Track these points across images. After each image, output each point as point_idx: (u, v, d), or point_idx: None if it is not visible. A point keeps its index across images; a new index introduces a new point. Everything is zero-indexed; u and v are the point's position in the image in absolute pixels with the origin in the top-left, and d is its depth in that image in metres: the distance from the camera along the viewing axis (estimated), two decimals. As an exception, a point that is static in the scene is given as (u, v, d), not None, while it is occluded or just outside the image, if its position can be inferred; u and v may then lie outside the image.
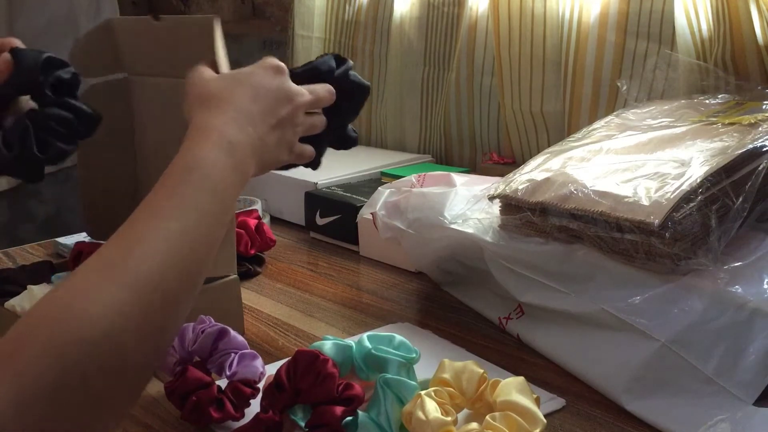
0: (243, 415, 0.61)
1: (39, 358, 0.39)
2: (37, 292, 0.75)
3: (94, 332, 0.41)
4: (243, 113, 0.58)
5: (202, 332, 0.63)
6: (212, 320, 0.65)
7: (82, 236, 1.11)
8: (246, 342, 0.64)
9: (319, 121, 0.66)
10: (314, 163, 0.70)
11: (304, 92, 0.63)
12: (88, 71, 0.82)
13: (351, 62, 0.68)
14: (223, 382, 0.63)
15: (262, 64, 0.62)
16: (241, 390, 0.61)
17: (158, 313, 0.45)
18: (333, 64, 0.68)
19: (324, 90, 0.65)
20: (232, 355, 0.63)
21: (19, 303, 0.75)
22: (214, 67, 0.67)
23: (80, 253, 0.86)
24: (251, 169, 0.57)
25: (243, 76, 0.61)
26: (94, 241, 0.91)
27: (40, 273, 0.86)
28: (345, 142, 0.71)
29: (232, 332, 0.64)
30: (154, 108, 0.83)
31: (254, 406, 0.60)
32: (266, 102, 0.59)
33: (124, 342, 0.42)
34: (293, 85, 0.62)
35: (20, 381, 0.38)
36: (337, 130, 0.69)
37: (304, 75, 0.65)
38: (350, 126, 0.71)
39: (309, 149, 0.67)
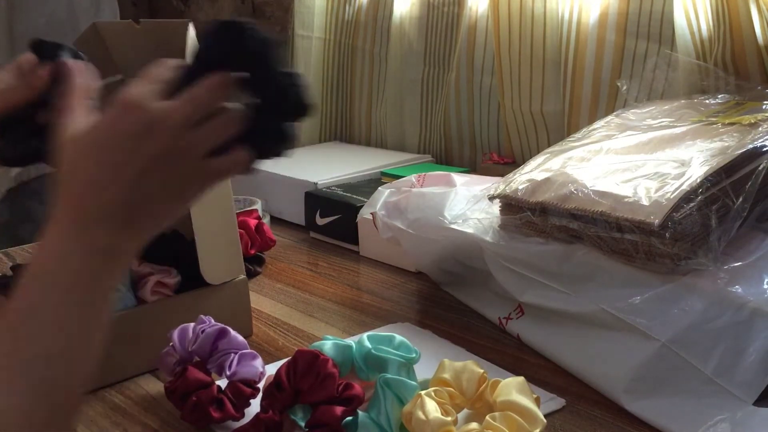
0: (243, 415, 0.61)
1: None
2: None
3: None
4: (89, 185, 0.46)
5: (202, 332, 0.63)
6: (212, 320, 0.65)
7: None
8: (246, 342, 0.64)
9: (227, 118, 0.49)
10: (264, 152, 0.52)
11: (173, 107, 0.47)
12: None
13: (248, 22, 0.50)
14: (223, 382, 0.63)
15: (112, 106, 0.48)
16: (241, 390, 0.61)
17: None
18: (209, 41, 0.51)
19: (203, 88, 0.48)
20: (232, 355, 0.63)
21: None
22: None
23: None
24: (119, 238, 0.46)
25: (87, 138, 0.48)
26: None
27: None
28: (277, 138, 0.52)
29: (232, 332, 0.64)
30: None
31: (254, 406, 0.60)
32: (116, 153, 0.46)
33: None
34: (155, 109, 0.47)
35: None
36: (270, 115, 0.51)
37: (189, 75, 0.50)
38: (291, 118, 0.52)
39: (238, 155, 0.50)
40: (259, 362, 0.63)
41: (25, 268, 0.46)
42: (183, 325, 0.65)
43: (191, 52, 0.52)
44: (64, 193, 0.47)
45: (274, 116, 0.52)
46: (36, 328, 0.44)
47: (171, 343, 0.65)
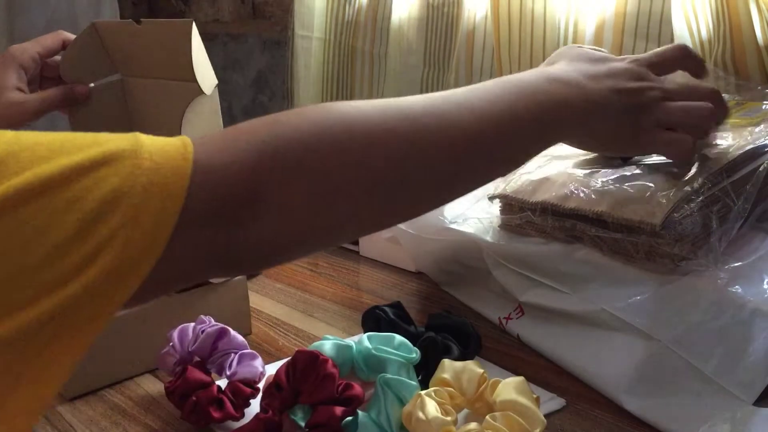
0: (243, 415, 0.61)
1: None
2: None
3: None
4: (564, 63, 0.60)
5: (202, 332, 0.63)
6: (212, 320, 0.65)
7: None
8: (246, 342, 0.64)
9: (709, 109, 0.62)
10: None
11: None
12: (83, 77, 0.83)
13: None
14: (223, 382, 0.63)
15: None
16: (241, 390, 0.61)
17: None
18: None
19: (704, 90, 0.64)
20: (232, 355, 0.63)
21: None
22: (191, 70, 0.66)
23: None
24: (567, 86, 0.57)
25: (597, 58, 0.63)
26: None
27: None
28: None
29: (232, 332, 0.64)
30: (149, 107, 0.83)
31: (254, 406, 0.60)
32: (590, 61, 0.61)
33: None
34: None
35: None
36: None
37: None
38: None
39: (685, 137, 0.61)
40: (259, 362, 0.63)
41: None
42: (183, 325, 0.65)
43: None
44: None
45: None
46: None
47: (171, 343, 0.65)
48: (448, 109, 0.51)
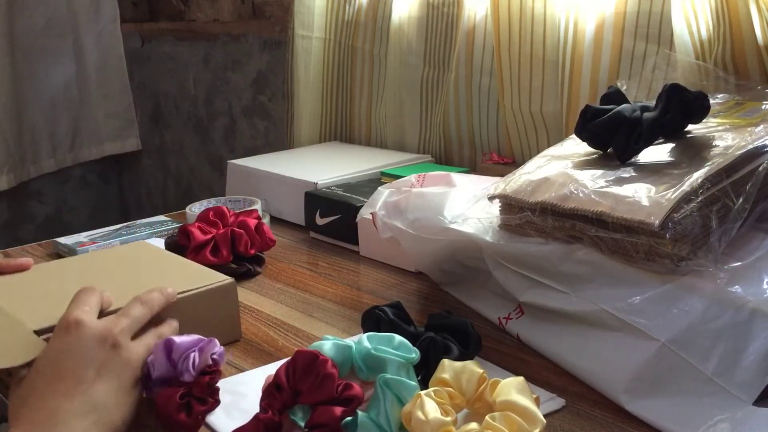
0: (217, 402, 0.61)
1: None
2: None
3: None
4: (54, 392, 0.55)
5: (152, 364, 0.62)
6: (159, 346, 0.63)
7: (82, 236, 1.11)
8: (197, 335, 0.63)
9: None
10: None
11: (111, 322, 0.60)
12: None
13: None
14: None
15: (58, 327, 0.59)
16: (200, 381, 0.60)
17: None
18: None
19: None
20: (192, 354, 0.61)
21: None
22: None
23: None
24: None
25: (47, 355, 0.58)
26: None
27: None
28: None
29: (177, 339, 0.62)
30: None
31: (254, 406, 0.60)
32: (72, 362, 0.56)
33: None
34: (96, 326, 0.59)
35: None
36: None
37: None
38: None
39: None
40: (213, 344, 0.62)
41: None
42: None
43: None
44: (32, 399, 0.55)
45: None
46: None
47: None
48: None
